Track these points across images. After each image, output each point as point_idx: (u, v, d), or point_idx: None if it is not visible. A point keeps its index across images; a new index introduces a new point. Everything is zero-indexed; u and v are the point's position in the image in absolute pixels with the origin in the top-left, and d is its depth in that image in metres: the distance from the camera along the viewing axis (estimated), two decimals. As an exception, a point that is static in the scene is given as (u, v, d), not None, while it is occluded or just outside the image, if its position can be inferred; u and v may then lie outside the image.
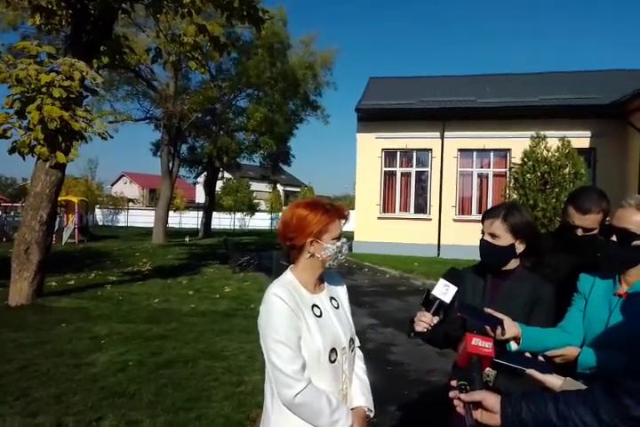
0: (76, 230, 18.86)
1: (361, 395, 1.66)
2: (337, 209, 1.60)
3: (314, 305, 1.58)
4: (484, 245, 1.82)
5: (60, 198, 8.83)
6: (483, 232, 1.84)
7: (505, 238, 1.77)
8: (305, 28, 58.33)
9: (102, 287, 8.21)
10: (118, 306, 6.84)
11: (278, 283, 1.59)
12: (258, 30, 8.37)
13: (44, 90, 6.25)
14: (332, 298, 1.67)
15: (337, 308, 1.66)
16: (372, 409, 1.66)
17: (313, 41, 22.72)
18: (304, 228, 1.55)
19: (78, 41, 7.20)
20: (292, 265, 1.65)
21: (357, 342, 1.75)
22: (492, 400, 1.12)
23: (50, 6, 7.11)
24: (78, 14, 7.08)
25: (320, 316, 1.57)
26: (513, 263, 1.84)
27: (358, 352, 1.76)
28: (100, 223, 32.05)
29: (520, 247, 1.80)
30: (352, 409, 1.60)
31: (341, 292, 1.75)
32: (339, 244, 1.59)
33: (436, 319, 1.62)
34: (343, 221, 1.63)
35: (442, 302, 1.62)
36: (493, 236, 1.79)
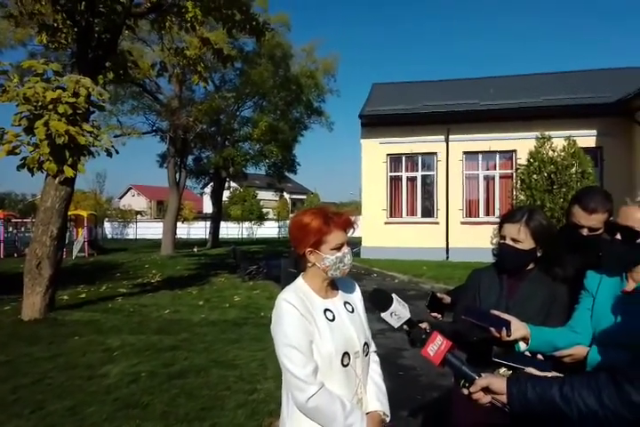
0: (86, 244, 19.02)
1: (376, 400, 1.63)
2: (339, 218, 1.55)
3: (326, 309, 1.57)
4: (505, 248, 1.84)
5: (69, 213, 8.92)
6: (503, 236, 1.86)
7: (527, 242, 1.80)
8: (307, 33, 58.90)
9: (113, 300, 8.27)
10: (129, 318, 6.88)
11: (288, 289, 1.59)
12: (258, 41, 8.50)
13: (50, 106, 6.35)
14: (346, 302, 1.66)
15: (352, 312, 1.65)
16: (388, 414, 1.65)
17: (315, 49, 22.96)
18: (302, 237, 1.54)
19: (84, 57, 7.33)
20: (303, 272, 1.65)
21: (373, 347, 1.74)
22: (499, 383, 1.19)
23: (56, 24, 7.27)
24: (83, 31, 7.22)
25: (333, 320, 1.56)
26: (529, 265, 1.87)
27: (375, 357, 1.75)
28: (110, 236, 32.31)
29: (539, 251, 1.83)
30: (367, 414, 1.58)
31: (356, 297, 1.74)
32: (339, 254, 1.55)
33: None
34: (350, 230, 1.59)
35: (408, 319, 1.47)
36: (515, 240, 1.81)
